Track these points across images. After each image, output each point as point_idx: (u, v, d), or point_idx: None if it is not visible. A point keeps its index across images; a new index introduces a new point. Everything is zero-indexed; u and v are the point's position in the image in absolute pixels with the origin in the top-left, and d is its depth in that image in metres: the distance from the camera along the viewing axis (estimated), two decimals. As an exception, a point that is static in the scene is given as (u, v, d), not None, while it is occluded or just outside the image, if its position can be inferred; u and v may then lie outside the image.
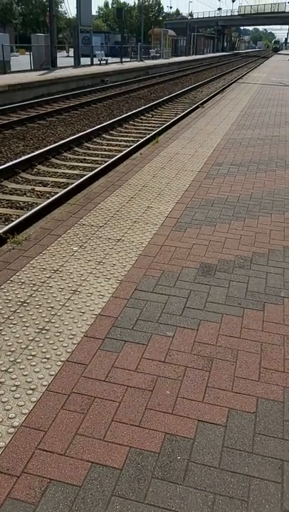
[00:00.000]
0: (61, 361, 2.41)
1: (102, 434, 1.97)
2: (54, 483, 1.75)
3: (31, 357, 2.43)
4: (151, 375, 2.34)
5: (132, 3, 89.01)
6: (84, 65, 28.16)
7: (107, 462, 1.85)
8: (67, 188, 6.39)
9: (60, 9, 54.63)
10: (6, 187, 6.86)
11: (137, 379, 2.31)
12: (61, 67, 25.23)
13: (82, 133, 10.29)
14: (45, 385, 2.24)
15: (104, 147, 9.82)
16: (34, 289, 3.09)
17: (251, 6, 79.75)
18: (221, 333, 2.71)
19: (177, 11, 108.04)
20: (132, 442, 1.94)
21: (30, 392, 2.19)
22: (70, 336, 2.61)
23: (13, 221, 5.34)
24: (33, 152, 8.55)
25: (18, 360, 2.40)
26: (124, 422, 2.05)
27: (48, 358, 2.42)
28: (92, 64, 29.84)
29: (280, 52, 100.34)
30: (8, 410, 2.07)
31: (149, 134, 10.76)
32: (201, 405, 2.16)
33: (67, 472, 1.80)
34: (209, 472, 1.83)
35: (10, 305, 2.89)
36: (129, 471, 1.81)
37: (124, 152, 8.60)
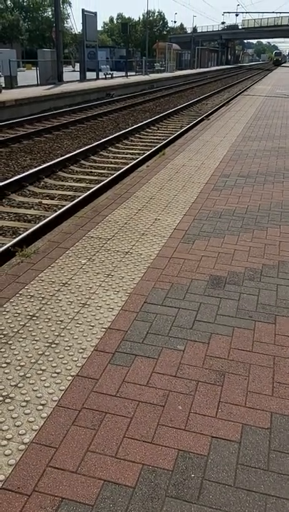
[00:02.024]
0: (71, 376, 2.38)
1: (114, 451, 1.94)
2: (66, 502, 1.71)
3: (41, 371, 2.40)
4: (163, 390, 2.30)
5: (136, 18, 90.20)
6: (90, 79, 28.45)
7: (119, 480, 1.81)
8: (75, 201, 6.40)
9: (65, 25, 55.38)
10: (14, 200, 6.89)
11: (149, 394, 2.27)
12: (67, 82, 25.50)
13: (89, 146, 10.35)
14: (55, 400, 2.20)
15: (110, 160, 9.86)
16: (43, 302, 3.07)
17: (255, 19, 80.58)
18: (233, 346, 2.67)
19: (181, 25, 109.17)
20: (145, 459, 1.91)
21: (41, 407, 2.16)
22: (80, 350, 2.58)
23: (20, 234, 5.35)
24: (40, 165, 8.60)
25: (27, 375, 2.37)
26: (136, 438, 2.01)
27: (57, 373, 2.39)
28: (97, 78, 30.15)
29: (283, 64, 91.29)
30: (18, 426, 2.04)
31: (154, 146, 10.80)
32: (214, 421, 2.12)
33: (79, 490, 1.76)
34: (224, 490, 1.79)
35: (19, 319, 2.87)
36: (143, 490, 1.77)
37: (131, 164, 8.63)
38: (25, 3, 69.62)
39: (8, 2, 65.78)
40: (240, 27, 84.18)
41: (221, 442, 2.00)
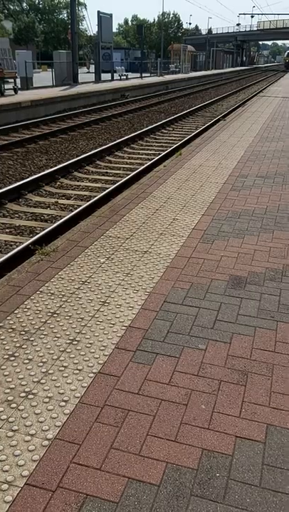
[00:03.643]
0: (93, 373, 2.37)
1: (138, 449, 1.92)
2: (90, 499, 1.70)
3: (63, 368, 2.40)
4: (185, 389, 2.28)
5: (151, 20, 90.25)
6: (104, 81, 28.56)
7: (143, 478, 1.79)
8: (91, 201, 6.41)
9: (81, 27, 55.69)
10: (31, 200, 6.93)
11: (171, 392, 2.26)
12: (82, 83, 25.63)
13: (104, 147, 10.37)
14: (77, 397, 2.20)
15: (125, 160, 9.87)
16: (63, 299, 3.08)
17: (270, 21, 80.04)
18: (255, 346, 2.64)
19: (196, 27, 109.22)
20: (169, 458, 1.89)
21: (63, 404, 2.15)
22: (101, 348, 2.57)
23: (37, 233, 5.37)
24: (56, 166, 8.64)
25: (50, 372, 2.37)
26: (160, 436, 1.99)
27: (79, 370, 2.39)
28: (112, 79, 30.25)
29: None
30: (41, 422, 2.04)
31: (170, 147, 10.78)
32: (238, 421, 2.09)
33: (103, 487, 1.75)
34: (250, 491, 1.76)
35: (40, 316, 2.87)
36: (167, 488, 1.76)
37: (147, 165, 8.62)
38: (40, 6, 70.16)
39: (24, 4, 66.35)
40: (255, 28, 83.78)
41: (246, 442, 1.98)
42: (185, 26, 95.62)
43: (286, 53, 75.66)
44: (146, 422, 2.07)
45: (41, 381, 2.30)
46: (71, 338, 2.66)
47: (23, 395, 2.21)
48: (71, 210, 6.32)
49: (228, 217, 4.79)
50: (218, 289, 3.29)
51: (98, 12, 28.84)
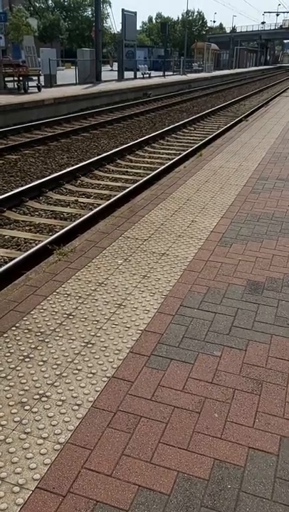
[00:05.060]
0: (107, 377, 2.37)
1: (149, 456, 1.92)
2: (100, 506, 1.70)
3: (77, 371, 2.41)
4: (199, 396, 2.27)
5: (175, 18, 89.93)
6: (127, 79, 28.57)
7: (154, 486, 1.79)
8: (110, 201, 6.42)
9: (105, 24, 55.81)
10: (51, 198, 6.97)
11: (184, 399, 2.24)
12: (105, 81, 25.69)
13: (125, 145, 10.38)
14: (90, 401, 2.20)
15: (146, 160, 9.86)
16: (80, 301, 3.09)
17: (296, 19, 78.79)
18: (271, 354, 2.61)
19: (220, 25, 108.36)
20: (180, 467, 1.88)
21: (76, 407, 2.16)
22: (116, 351, 2.57)
23: (57, 231, 5.40)
24: (77, 164, 8.68)
25: (64, 374, 2.38)
26: (172, 444, 1.98)
27: (93, 373, 2.39)
28: (135, 77, 30.25)
29: None
30: (54, 426, 2.05)
31: (191, 147, 10.72)
32: (251, 431, 2.07)
33: (114, 494, 1.75)
34: (261, 504, 1.74)
35: (56, 317, 2.89)
36: (178, 498, 1.75)
37: (168, 165, 8.60)
38: (65, 3, 70.52)
39: (50, 2, 66.80)
40: (280, 26, 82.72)
41: (259, 454, 1.95)
42: (209, 24, 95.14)
43: None
44: (158, 429, 2.06)
45: (55, 384, 2.31)
46: (86, 340, 2.66)
47: (36, 397, 2.22)
48: (91, 209, 6.35)
49: (247, 220, 4.74)
50: (235, 294, 3.26)
51: (122, 10, 28.89)
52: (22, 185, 7.30)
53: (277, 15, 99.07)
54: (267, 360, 2.56)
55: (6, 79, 19.80)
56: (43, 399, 2.21)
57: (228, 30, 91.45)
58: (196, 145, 10.74)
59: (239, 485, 1.81)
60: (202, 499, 1.74)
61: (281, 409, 2.21)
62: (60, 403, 2.19)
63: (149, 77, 32.04)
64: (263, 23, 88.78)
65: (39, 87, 18.95)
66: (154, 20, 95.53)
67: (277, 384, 2.37)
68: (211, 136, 11.85)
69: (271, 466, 1.90)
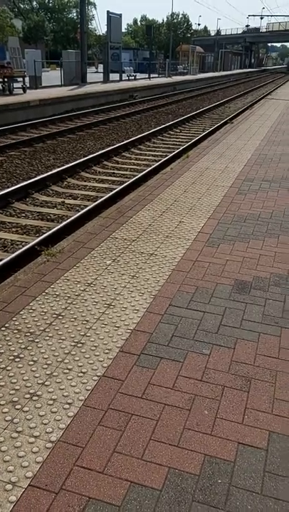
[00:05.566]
0: (97, 376, 2.39)
1: (141, 453, 1.94)
2: (93, 502, 1.72)
3: (67, 371, 2.42)
4: (189, 394, 2.29)
5: (160, 21, 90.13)
6: (113, 81, 28.59)
7: (146, 482, 1.81)
8: (97, 202, 6.43)
9: (90, 26, 55.72)
10: (37, 199, 6.96)
11: (174, 397, 2.27)
12: (91, 83, 25.67)
13: (111, 147, 10.39)
14: (81, 400, 2.22)
15: (133, 161, 9.89)
16: (69, 301, 3.10)
17: (280, 23, 79.77)
18: (259, 352, 2.65)
19: (205, 28, 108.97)
20: (171, 463, 1.90)
21: (67, 406, 2.17)
22: (106, 351, 2.59)
23: (44, 233, 5.39)
24: (63, 165, 8.67)
25: (54, 374, 2.39)
26: (163, 441, 2.00)
27: (84, 373, 2.41)
28: (120, 80, 30.28)
29: None
30: (45, 424, 2.06)
31: (177, 148, 10.78)
32: (240, 427, 2.10)
33: (106, 491, 1.76)
34: (251, 498, 1.77)
35: (46, 317, 2.89)
36: (169, 493, 1.77)
37: (154, 166, 8.63)
38: (50, 4, 70.27)
39: (34, 3, 66.50)
40: (264, 30, 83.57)
41: (248, 449, 1.99)
42: (194, 27, 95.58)
43: None
44: (149, 427, 2.08)
45: (46, 383, 2.32)
46: (76, 340, 2.68)
47: (27, 396, 2.23)
48: (78, 211, 6.35)
49: (234, 221, 4.80)
50: (223, 294, 3.30)
51: (108, 12, 28.88)
52: (8, 187, 7.26)
53: (262, 18, 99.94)
54: (255, 358, 2.60)
55: (-9, 80, 19.63)
56: (34, 398, 2.22)
57: (212, 33, 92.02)
58: (183, 147, 10.80)
59: (229, 480, 1.84)
60: (193, 494, 1.77)
61: (269, 405, 2.24)
62: (51, 402, 2.19)
63: (135, 79, 32.12)
64: (248, 26, 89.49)
65: (24, 89, 18.85)
66: (139, 23, 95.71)
67: (265, 381, 2.41)
68: (197, 138, 11.93)
69: (260, 460, 1.94)
